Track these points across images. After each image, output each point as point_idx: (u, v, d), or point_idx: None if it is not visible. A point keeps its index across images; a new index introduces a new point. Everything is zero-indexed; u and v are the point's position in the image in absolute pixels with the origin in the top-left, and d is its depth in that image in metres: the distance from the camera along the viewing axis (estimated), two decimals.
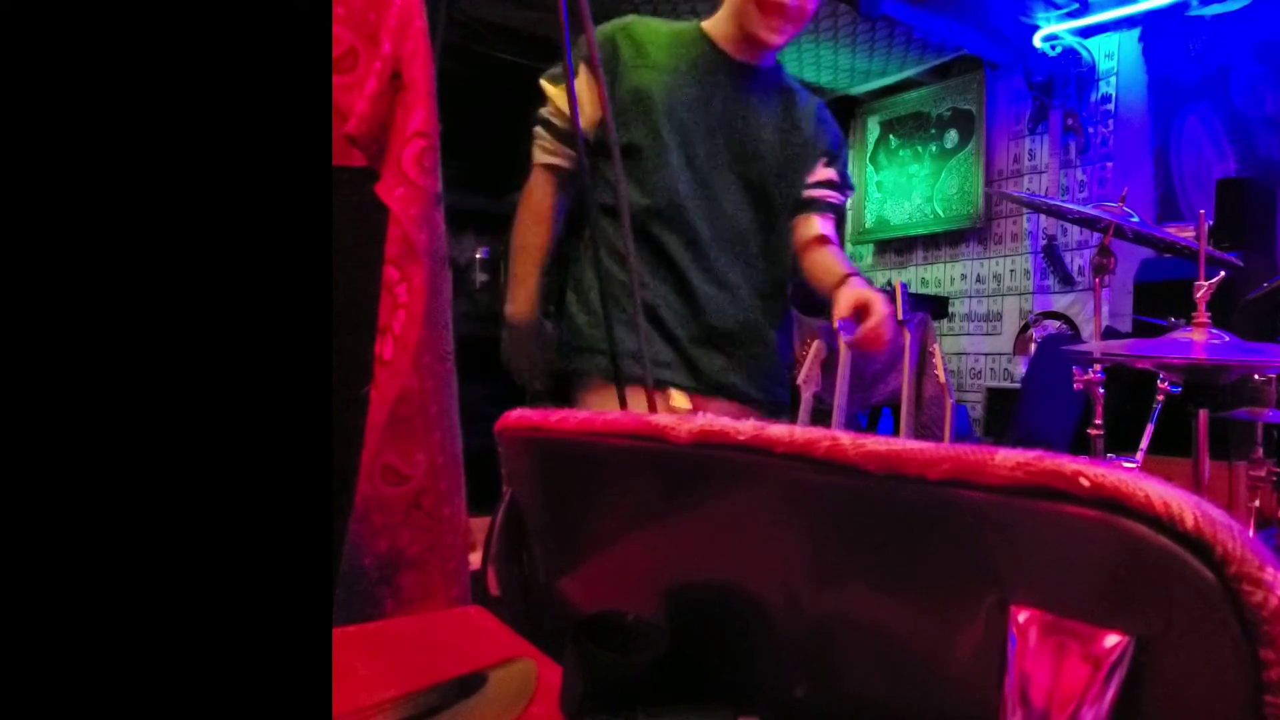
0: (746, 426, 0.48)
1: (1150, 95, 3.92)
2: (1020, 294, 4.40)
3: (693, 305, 1.48)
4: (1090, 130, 4.13)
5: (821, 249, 1.56)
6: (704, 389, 1.48)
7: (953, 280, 4.70)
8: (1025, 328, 4.18)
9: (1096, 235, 2.18)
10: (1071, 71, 4.15)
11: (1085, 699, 0.34)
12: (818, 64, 3.96)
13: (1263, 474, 2.12)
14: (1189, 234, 2.24)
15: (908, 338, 1.90)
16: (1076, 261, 4.17)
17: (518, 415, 0.65)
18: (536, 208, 1.51)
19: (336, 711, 0.52)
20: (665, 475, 0.55)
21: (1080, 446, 2.35)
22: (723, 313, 1.50)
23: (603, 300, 1.32)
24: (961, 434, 3.97)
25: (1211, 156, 3.71)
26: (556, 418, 0.62)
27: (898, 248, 4.91)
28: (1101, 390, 2.08)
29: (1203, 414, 1.65)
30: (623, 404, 1.25)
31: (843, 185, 1.62)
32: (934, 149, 4.72)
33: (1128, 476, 0.34)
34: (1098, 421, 2.09)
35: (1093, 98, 4.14)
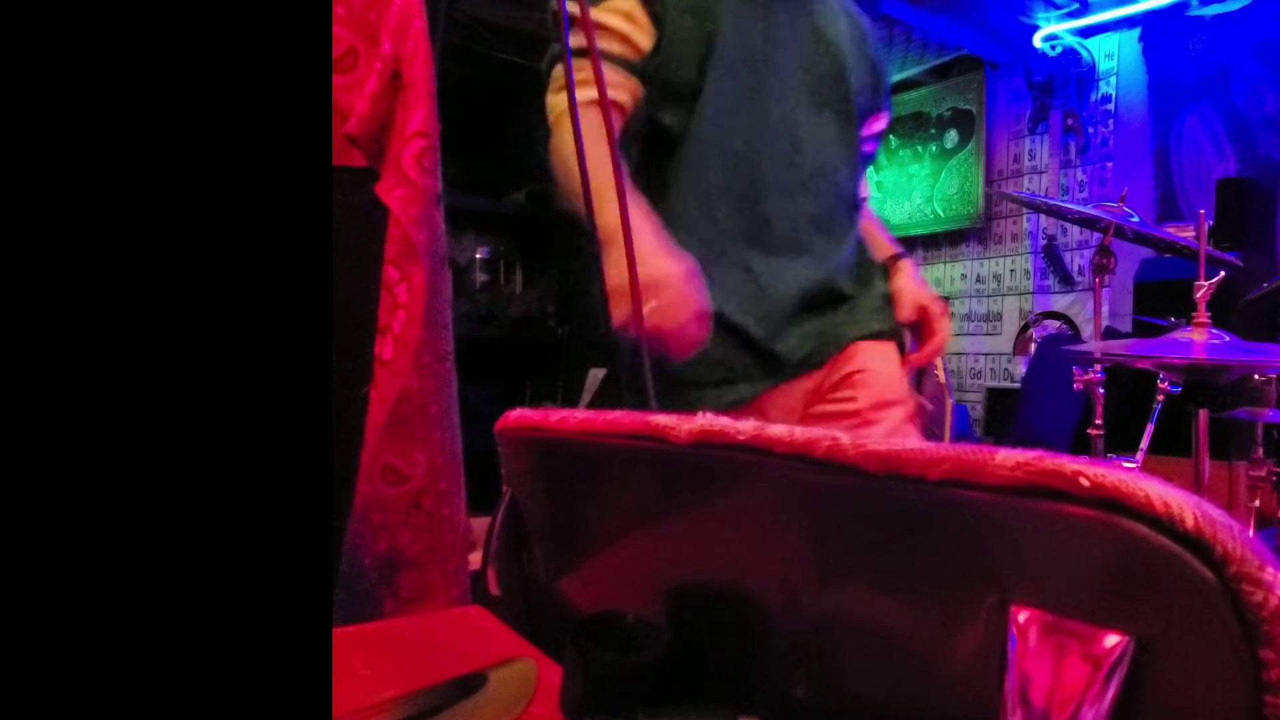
0: (746, 426, 0.48)
1: (1150, 95, 3.93)
2: (1020, 294, 4.40)
3: (762, 282, 1.18)
4: (1090, 130, 4.13)
5: (865, 217, 1.36)
6: (790, 373, 1.21)
7: (953, 280, 4.70)
8: (1025, 328, 4.19)
9: (1096, 235, 2.19)
10: (1071, 71, 4.15)
11: (1085, 699, 0.34)
12: None
13: (1263, 474, 2.12)
14: (1189, 234, 2.24)
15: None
16: (1076, 261, 4.17)
17: (518, 415, 0.65)
18: (599, 147, 1.01)
19: (336, 711, 0.52)
20: (665, 475, 0.55)
21: (1080, 446, 2.36)
22: (801, 282, 1.21)
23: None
24: (961, 434, 3.97)
25: (1211, 156, 3.71)
26: (556, 418, 0.62)
27: None
28: (1101, 390, 2.09)
29: (1203, 414, 1.66)
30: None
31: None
32: (934, 149, 4.72)
33: (1128, 476, 0.34)
34: (1098, 421, 2.09)
35: (1093, 98, 4.14)
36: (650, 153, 1.18)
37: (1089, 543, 0.34)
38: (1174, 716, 0.34)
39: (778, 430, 0.46)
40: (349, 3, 1.04)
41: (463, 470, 1.11)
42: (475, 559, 1.10)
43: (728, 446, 0.48)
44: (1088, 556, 0.35)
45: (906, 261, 1.32)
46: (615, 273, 0.95)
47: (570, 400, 3.24)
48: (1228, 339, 1.52)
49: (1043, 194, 4.21)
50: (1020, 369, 4.07)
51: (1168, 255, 3.09)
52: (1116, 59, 4.06)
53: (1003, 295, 4.48)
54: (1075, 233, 4.14)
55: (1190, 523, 0.32)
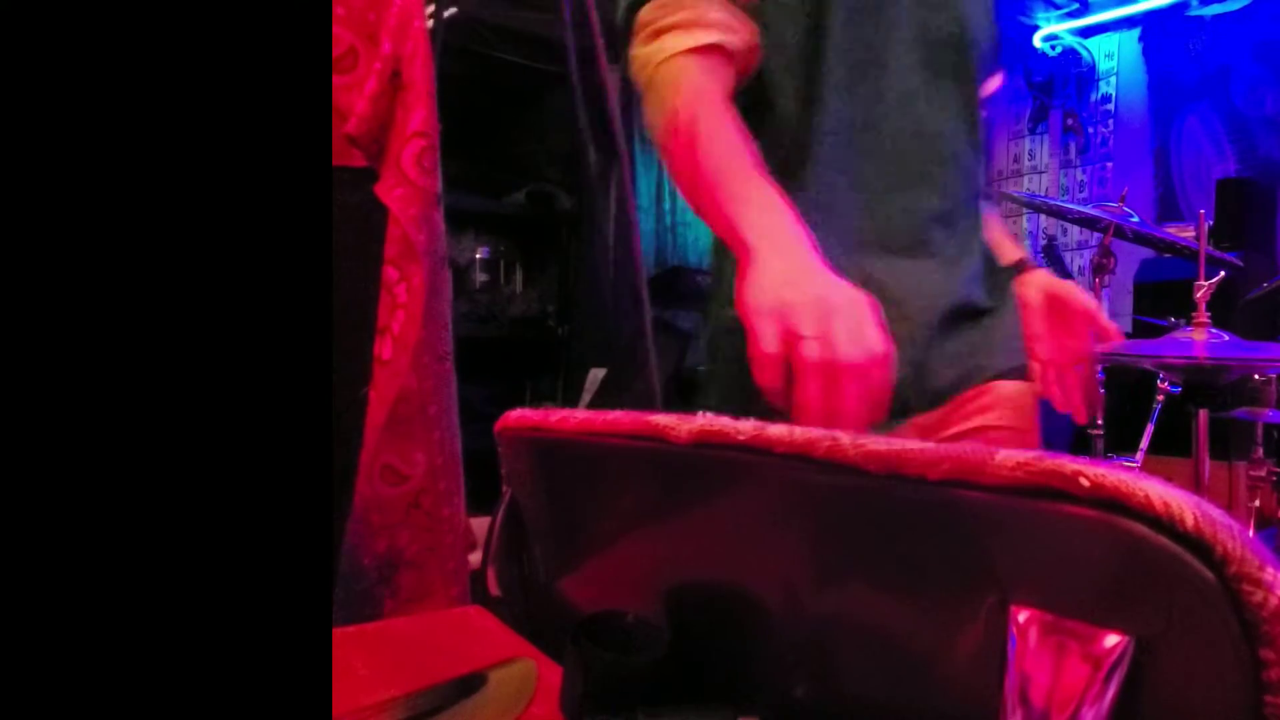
0: (746, 426, 0.48)
1: (1150, 95, 3.93)
2: None
3: (889, 294, 0.82)
4: (1090, 130, 4.13)
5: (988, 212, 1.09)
6: (922, 408, 0.93)
7: None
8: None
9: (1096, 235, 2.19)
10: (1071, 71, 4.15)
11: (1085, 699, 0.34)
12: None
13: (1263, 474, 2.12)
14: (1189, 234, 2.24)
15: None
16: (1076, 261, 4.17)
17: (518, 415, 0.65)
18: (713, 103, 0.80)
19: (336, 711, 0.52)
20: (665, 475, 0.55)
21: (1080, 446, 2.36)
22: (933, 294, 0.94)
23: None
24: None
25: (1211, 156, 3.71)
26: (556, 418, 0.62)
27: None
28: (1101, 390, 2.09)
29: (1203, 414, 1.66)
30: None
31: None
32: None
33: (1128, 476, 0.34)
34: (1098, 421, 2.09)
35: (1093, 98, 4.14)
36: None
37: (1089, 543, 0.34)
38: (1174, 717, 0.34)
39: (778, 430, 0.46)
40: (349, 3, 1.04)
41: (462, 470, 1.11)
42: (475, 559, 1.10)
43: (728, 446, 0.48)
44: (1088, 556, 0.35)
45: (1040, 269, 1.07)
46: (763, 292, 0.66)
47: (570, 400, 3.24)
48: (1228, 339, 1.52)
49: (1043, 194, 4.21)
50: None
51: (1168, 255, 3.09)
52: (1116, 59, 4.06)
53: None
54: (1075, 233, 4.14)
55: (1190, 523, 0.32)
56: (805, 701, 0.49)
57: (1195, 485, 1.67)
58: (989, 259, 1.04)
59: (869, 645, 0.45)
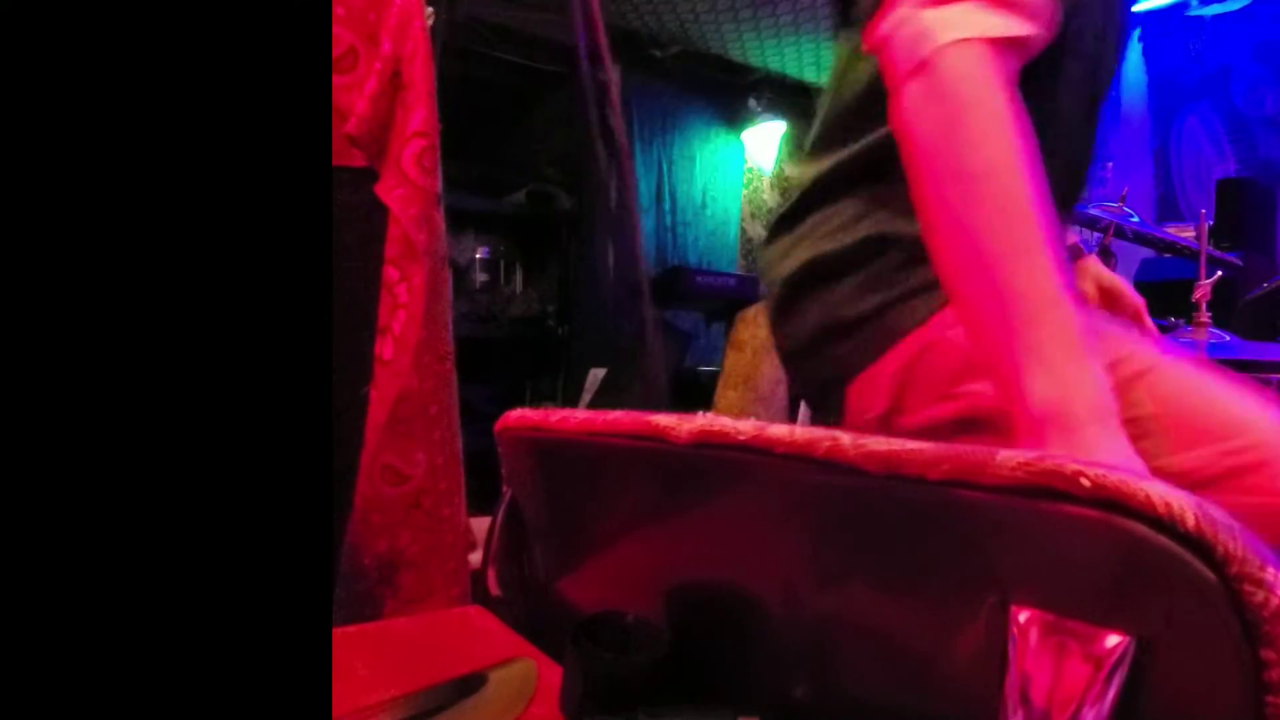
0: (746, 426, 0.48)
1: (1150, 95, 3.92)
2: None
3: None
4: None
5: None
6: None
7: None
8: None
9: (1097, 235, 2.18)
10: None
11: (1086, 699, 0.34)
12: (817, 64, 3.96)
13: None
14: (1189, 234, 2.24)
15: None
16: None
17: (518, 415, 0.65)
18: (996, 107, 0.59)
19: (336, 711, 0.52)
20: (665, 475, 0.55)
21: None
22: None
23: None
24: None
25: (1211, 156, 3.71)
26: (556, 418, 0.62)
27: None
28: None
29: None
30: None
31: None
32: None
33: (1128, 476, 0.34)
34: None
35: None
36: None
37: (1089, 543, 0.34)
38: (1175, 716, 0.34)
39: (778, 430, 0.46)
40: (349, 3, 1.04)
41: (463, 470, 1.11)
42: (475, 559, 1.10)
43: (728, 446, 0.48)
44: (1088, 556, 0.35)
45: (1090, 256, 1.00)
46: (1053, 382, 0.51)
47: (570, 400, 3.24)
48: (1228, 339, 1.52)
49: None
50: None
51: (1168, 255, 3.09)
52: None
53: None
54: (1075, 232, 4.14)
55: (1191, 523, 0.32)
56: (805, 702, 0.49)
57: None
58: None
59: (869, 645, 0.45)
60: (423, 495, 1.07)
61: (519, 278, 3.59)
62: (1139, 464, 0.50)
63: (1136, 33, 3.97)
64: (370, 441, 1.05)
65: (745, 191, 4.20)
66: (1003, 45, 0.61)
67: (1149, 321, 1.00)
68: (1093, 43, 0.76)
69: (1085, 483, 0.34)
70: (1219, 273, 1.60)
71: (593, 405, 2.94)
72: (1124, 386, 0.59)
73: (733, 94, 3.99)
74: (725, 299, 3.14)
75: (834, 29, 0.84)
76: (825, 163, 0.80)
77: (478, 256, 3.42)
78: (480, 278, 3.41)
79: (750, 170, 4.20)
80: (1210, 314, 1.52)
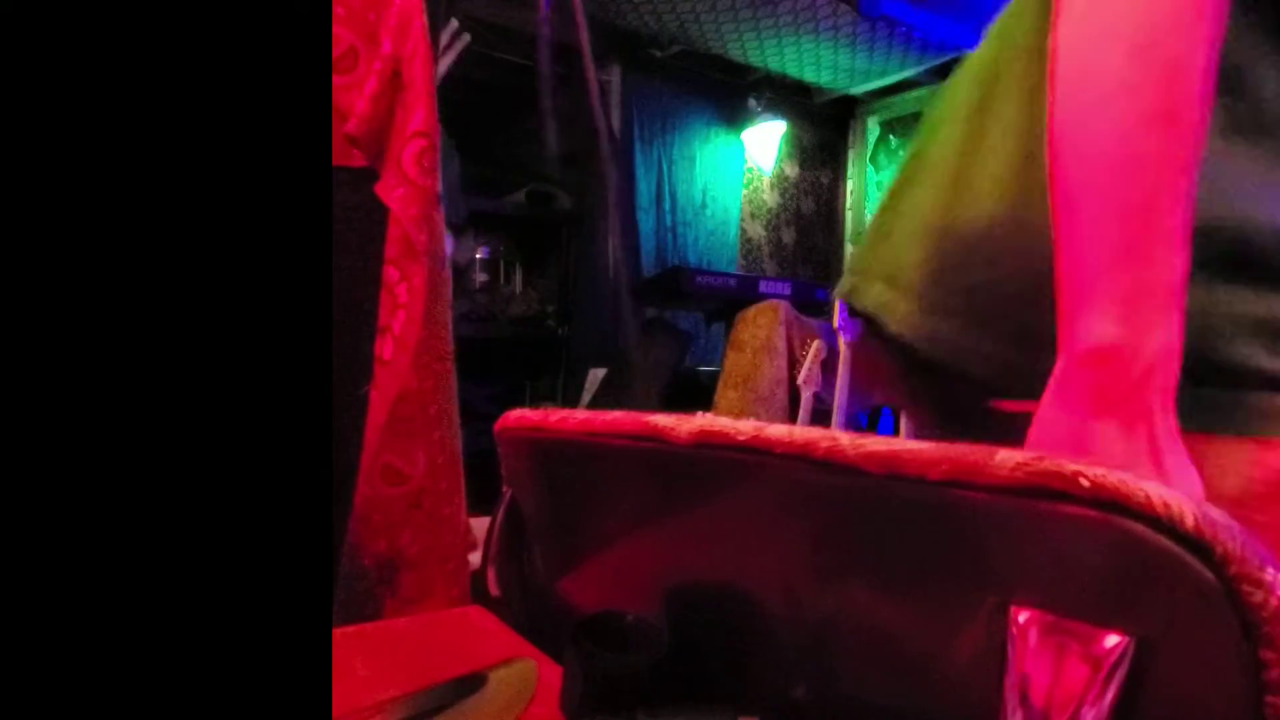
0: (746, 426, 0.48)
1: None
2: None
3: None
4: None
5: None
6: None
7: None
8: None
9: None
10: None
11: (1085, 699, 0.34)
12: (818, 64, 3.96)
13: None
14: None
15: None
16: None
17: (518, 415, 0.65)
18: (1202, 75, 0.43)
19: (336, 711, 0.52)
20: (665, 475, 0.55)
21: None
22: None
23: None
24: None
25: None
26: (556, 418, 0.62)
27: None
28: None
29: None
30: None
31: None
32: None
33: (1128, 476, 0.34)
34: None
35: None
36: None
37: (1089, 543, 0.34)
38: (1174, 717, 0.34)
39: (778, 430, 0.46)
40: (349, 3, 1.04)
41: (463, 470, 1.11)
42: (475, 559, 1.10)
43: (728, 447, 0.48)
44: (1088, 557, 0.35)
45: None
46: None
47: (570, 400, 3.24)
48: None
49: None
50: None
51: None
52: None
53: None
54: None
55: (1190, 523, 0.32)
56: (805, 702, 0.49)
57: None
58: None
59: (869, 645, 0.45)
60: (423, 495, 1.07)
61: (519, 278, 3.59)
62: (1179, 448, 0.44)
63: None
64: (370, 441, 1.05)
65: (745, 191, 4.20)
66: None
67: None
68: None
69: (1084, 482, 0.34)
70: None
71: (593, 405, 2.94)
72: None
73: (733, 94, 3.99)
74: (725, 299, 3.13)
75: None
76: None
77: (477, 256, 3.42)
78: (480, 278, 3.41)
79: (750, 170, 4.20)
80: None
